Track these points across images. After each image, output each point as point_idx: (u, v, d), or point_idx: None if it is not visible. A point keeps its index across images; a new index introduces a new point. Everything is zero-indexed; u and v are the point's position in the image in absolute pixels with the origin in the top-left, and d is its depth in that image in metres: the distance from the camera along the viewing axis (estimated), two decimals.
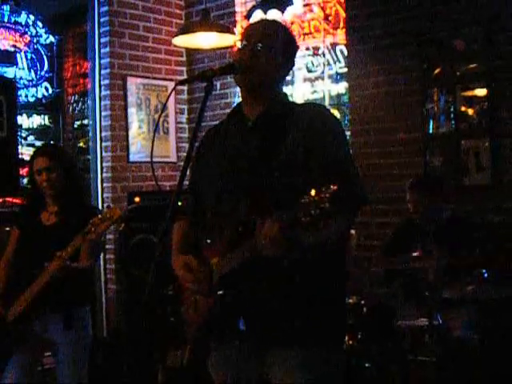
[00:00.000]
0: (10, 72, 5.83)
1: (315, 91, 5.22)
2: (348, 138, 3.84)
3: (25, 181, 5.14)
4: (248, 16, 5.49)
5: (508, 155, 4.13)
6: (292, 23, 5.21)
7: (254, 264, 1.89)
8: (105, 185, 5.45)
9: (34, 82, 6.04)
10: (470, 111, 4.29)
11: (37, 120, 6.28)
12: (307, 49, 5.18)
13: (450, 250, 3.50)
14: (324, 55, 5.12)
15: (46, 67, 6.09)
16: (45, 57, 6.09)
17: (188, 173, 1.96)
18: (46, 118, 6.34)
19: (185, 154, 4.98)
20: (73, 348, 3.19)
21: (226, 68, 2.06)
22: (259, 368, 2.08)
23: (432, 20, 4.39)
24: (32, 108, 6.18)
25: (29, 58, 5.98)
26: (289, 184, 1.94)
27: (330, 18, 5.06)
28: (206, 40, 4.72)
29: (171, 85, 5.70)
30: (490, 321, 3.53)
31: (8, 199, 4.98)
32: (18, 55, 5.90)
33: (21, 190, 4.88)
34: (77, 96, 6.31)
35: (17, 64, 5.90)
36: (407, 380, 3.47)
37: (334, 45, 5.07)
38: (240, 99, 2.25)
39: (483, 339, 3.44)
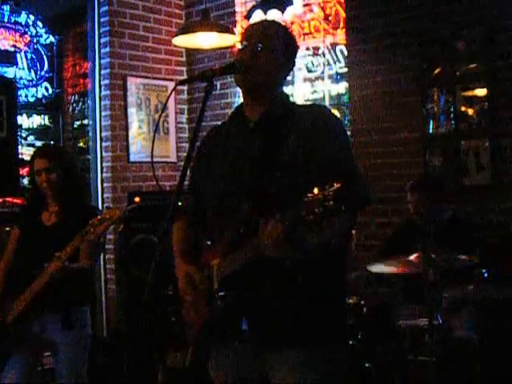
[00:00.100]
0: (10, 72, 5.83)
1: (315, 91, 5.22)
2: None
3: (25, 181, 5.15)
4: (248, 16, 5.49)
5: (508, 155, 4.13)
6: (292, 23, 5.21)
7: (257, 264, 1.89)
8: (105, 185, 5.45)
9: (34, 82, 6.04)
10: (470, 111, 4.29)
11: (37, 120, 6.28)
12: (307, 49, 5.18)
13: (450, 250, 3.50)
14: (324, 55, 5.12)
15: (46, 67, 6.10)
16: (45, 57, 6.09)
17: (188, 173, 1.95)
18: (46, 117, 6.35)
19: (185, 154, 4.98)
20: (72, 348, 3.19)
21: (227, 68, 2.06)
22: (260, 369, 2.08)
23: (432, 20, 4.39)
24: (32, 108, 6.19)
25: (29, 57, 5.98)
26: (291, 185, 1.94)
27: (330, 18, 5.06)
28: (206, 40, 4.72)
29: (171, 85, 5.70)
30: (490, 321, 3.53)
31: (8, 199, 4.98)
32: (17, 55, 5.90)
33: (21, 190, 4.88)
34: (77, 96, 6.32)
35: (17, 64, 5.90)
36: (407, 380, 3.47)
37: (333, 45, 5.07)
38: (240, 99, 2.25)
39: (483, 339, 3.43)
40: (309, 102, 5.02)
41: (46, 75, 6.11)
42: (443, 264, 3.28)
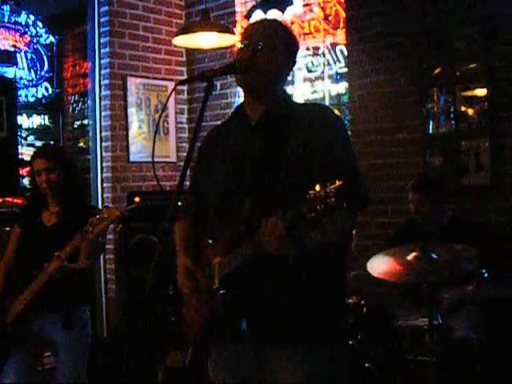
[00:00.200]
0: (10, 72, 5.83)
1: (315, 91, 5.22)
2: None
3: (25, 181, 5.15)
4: (248, 16, 5.49)
5: (508, 155, 4.12)
6: (292, 23, 5.21)
7: (258, 262, 1.89)
8: (105, 185, 5.45)
9: (34, 82, 6.04)
10: (470, 111, 4.29)
11: (37, 120, 6.29)
12: (307, 49, 5.18)
13: (451, 249, 3.50)
14: (324, 55, 5.12)
15: (46, 67, 6.10)
16: (45, 57, 6.09)
17: (188, 173, 1.95)
18: (46, 118, 6.35)
19: (185, 154, 4.98)
20: (72, 348, 3.19)
21: (227, 68, 2.06)
22: (260, 368, 2.08)
23: (432, 20, 4.39)
24: (32, 108, 6.19)
25: (29, 57, 5.98)
26: (292, 184, 1.94)
27: (330, 18, 5.06)
28: (206, 40, 4.72)
29: (171, 85, 5.70)
30: (489, 321, 3.53)
31: (8, 199, 4.98)
32: (17, 55, 5.90)
33: (21, 190, 4.89)
34: (77, 96, 6.32)
35: (17, 64, 5.90)
36: (407, 380, 3.47)
37: (333, 45, 5.07)
38: (240, 99, 2.25)
39: (483, 339, 3.43)
40: (309, 102, 5.02)
41: (46, 75, 6.11)
42: (443, 267, 3.27)
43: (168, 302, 4.34)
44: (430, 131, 4.47)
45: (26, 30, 5.93)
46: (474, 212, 4.16)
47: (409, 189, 3.95)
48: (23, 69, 5.95)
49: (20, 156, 5.15)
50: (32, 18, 5.94)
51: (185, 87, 5.91)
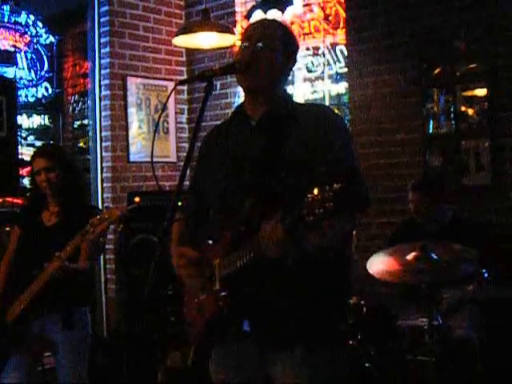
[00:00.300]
0: (10, 72, 5.83)
1: (315, 91, 5.22)
2: None
3: (25, 181, 5.15)
4: (248, 16, 5.49)
5: (508, 155, 4.13)
6: (292, 23, 5.21)
7: (258, 264, 1.89)
8: (105, 185, 5.45)
9: (33, 82, 6.05)
10: (470, 111, 4.29)
11: (37, 120, 6.29)
12: (307, 49, 5.18)
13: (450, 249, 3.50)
14: (324, 55, 5.12)
15: (46, 67, 6.10)
16: (45, 57, 6.10)
17: (188, 173, 1.95)
18: (46, 118, 6.36)
19: (185, 154, 4.98)
20: (72, 348, 3.19)
21: (227, 68, 2.06)
22: (261, 368, 2.08)
23: (432, 20, 4.39)
24: (32, 108, 6.19)
25: (29, 57, 5.99)
26: (293, 184, 1.93)
27: (330, 18, 5.06)
28: (206, 40, 4.72)
29: (171, 85, 5.70)
30: (490, 321, 3.52)
31: (8, 199, 4.99)
32: (17, 55, 5.91)
33: (21, 190, 4.89)
34: (77, 96, 6.32)
35: (17, 64, 5.90)
36: (407, 380, 3.47)
37: (334, 45, 5.07)
38: (240, 99, 2.25)
39: (483, 339, 3.43)
40: (309, 102, 5.02)
41: (46, 75, 6.12)
42: (442, 268, 3.27)
43: (168, 301, 4.34)
44: (430, 131, 4.47)
45: (26, 30, 5.93)
46: (475, 212, 4.16)
47: (409, 188, 3.95)
48: (23, 69, 5.95)
49: (20, 156, 5.16)
50: (32, 17, 5.95)
51: (185, 87, 5.91)
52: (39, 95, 6.11)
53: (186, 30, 4.73)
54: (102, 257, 5.21)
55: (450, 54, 4.33)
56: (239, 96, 5.30)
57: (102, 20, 5.45)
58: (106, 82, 5.42)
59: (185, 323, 2.17)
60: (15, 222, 3.43)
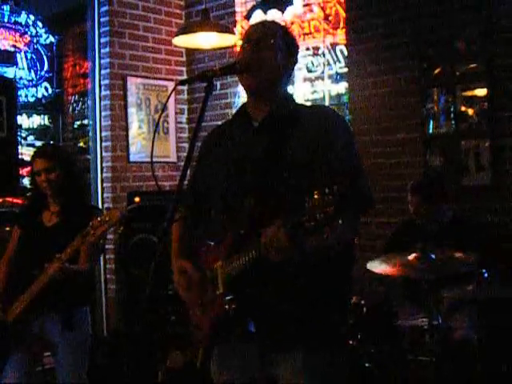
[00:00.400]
0: (10, 72, 5.83)
1: (315, 91, 5.22)
2: None
3: (25, 181, 5.15)
4: (248, 16, 5.49)
5: (508, 155, 4.12)
6: (292, 23, 5.21)
7: (260, 268, 1.89)
8: (105, 185, 5.45)
9: (33, 82, 6.04)
10: (470, 111, 4.29)
11: (37, 120, 6.28)
12: (307, 49, 5.18)
13: (449, 250, 3.50)
14: (324, 55, 5.12)
15: (45, 67, 6.09)
16: (45, 57, 6.09)
17: (189, 173, 1.95)
18: (46, 118, 6.35)
19: (185, 154, 4.98)
20: (72, 348, 3.19)
21: (227, 68, 2.05)
22: (264, 370, 2.08)
23: (432, 20, 4.39)
24: (32, 108, 6.18)
25: (29, 58, 5.98)
26: (295, 185, 1.93)
27: (330, 18, 5.06)
28: (206, 40, 4.72)
29: (171, 85, 5.70)
30: (490, 321, 3.52)
31: (8, 199, 4.98)
32: (17, 55, 5.90)
33: (21, 190, 4.89)
34: (77, 96, 6.31)
35: (17, 64, 5.90)
36: (407, 380, 3.47)
37: (334, 45, 5.07)
38: (240, 99, 2.25)
39: (483, 339, 3.43)
40: (310, 103, 5.02)
41: (46, 75, 6.11)
42: (442, 266, 3.27)
43: (168, 301, 4.34)
44: (430, 131, 4.47)
45: (26, 30, 5.93)
46: (475, 212, 4.16)
47: (408, 190, 3.95)
48: (23, 69, 5.95)
49: (20, 156, 5.15)
50: (32, 17, 5.94)
51: (185, 87, 5.91)
52: (39, 95, 6.10)
53: (186, 30, 4.73)
54: (101, 257, 5.21)
55: (449, 54, 4.33)
56: (239, 96, 5.30)
57: (101, 20, 5.45)
58: (106, 82, 5.43)
59: (190, 325, 2.17)
60: (16, 221, 3.43)
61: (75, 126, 6.37)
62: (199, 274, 2.09)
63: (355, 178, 1.93)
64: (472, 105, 4.28)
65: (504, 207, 4.11)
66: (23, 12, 5.90)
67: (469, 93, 4.29)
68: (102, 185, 5.46)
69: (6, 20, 5.80)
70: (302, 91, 5.25)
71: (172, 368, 4.29)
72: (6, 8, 5.81)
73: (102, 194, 5.45)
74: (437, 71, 4.42)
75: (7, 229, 4.15)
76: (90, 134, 5.63)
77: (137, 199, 4.91)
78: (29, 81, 6.00)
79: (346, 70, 4.97)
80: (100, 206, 5.35)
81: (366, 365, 3.53)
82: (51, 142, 6.19)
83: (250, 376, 2.10)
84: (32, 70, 6.01)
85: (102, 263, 5.39)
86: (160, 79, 5.70)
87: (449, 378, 3.33)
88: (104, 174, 5.45)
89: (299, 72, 5.24)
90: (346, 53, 4.95)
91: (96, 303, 5.18)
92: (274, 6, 5.32)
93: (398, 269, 3.35)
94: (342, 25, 4.96)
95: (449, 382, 3.34)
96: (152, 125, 5.60)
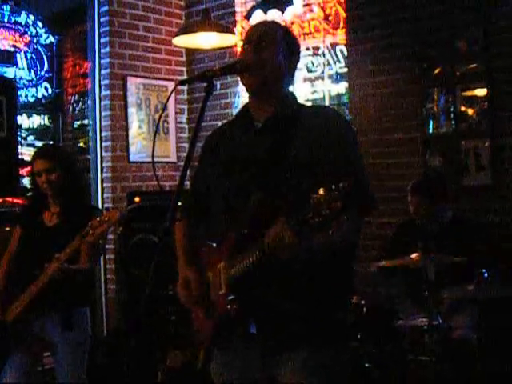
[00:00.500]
0: (9, 72, 5.83)
1: (315, 91, 5.22)
2: None
3: (25, 181, 5.15)
4: (248, 16, 5.49)
5: (508, 155, 4.13)
6: (292, 23, 5.21)
7: (263, 268, 1.89)
8: (105, 185, 5.45)
9: (33, 82, 6.04)
10: (470, 111, 4.29)
11: (37, 120, 6.29)
12: (307, 49, 5.18)
13: (450, 250, 3.50)
14: (324, 55, 5.12)
15: (45, 67, 6.10)
16: (45, 57, 6.09)
17: (189, 173, 1.95)
18: (46, 118, 6.35)
19: (185, 154, 4.98)
20: (72, 349, 3.19)
21: (227, 68, 2.05)
22: (265, 371, 2.07)
23: (432, 20, 4.39)
24: (32, 108, 6.19)
25: (29, 58, 5.98)
26: (299, 186, 1.93)
27: (330, 18, 5.06)
28: (206, 40, 4.72)
29: (171, 85, 5.70)
30: (489, 321, 3.53)
31: (8, 199, 4.98)
32: (17, 55, 5.90)
33: (21, 190, 4.89)
34: (77, 96, 6.32)
35: (17, 64, 5.90)
36: (407, 380, 3.47)
37: (334, 45, 5.07)
38: (240, 99, 2.25)
39: (483, 339, 3.44)
40: (310, 103, 5.02)
41: (46, 75, 6.11)
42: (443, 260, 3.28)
43: (168, 301, 4.34)
44: (430, 131, 4.47)
45: (26, 29, 5.93)
46: (475, 212, 4.16)
47: (408, 190, 3.95)
48: (23, 69, 5.95)
49: (20, 156, 5.16)
50: (32, 17, 5.95)
51: (185, 87, 5.91)
52: (39, 95, 6.11)
53: (186, 29, 4.73)
54: (101, 257, 5.21)
55: (449, 54, 4.33)
56: (239, 96, 5.29)
57: (101, 20, 5.45)
58: (106, 82, 5.42)
59: (192, 326, 2.17)
60: (17, 221, 3.43)
61: (75, 126, 6.37)
62: (203, 288, 2.08)
63: (359, 179, 1.93)
64: (472, 105, 4.28)
65: (504, 207, 4.11)
66: (23, 12, 5.90)
67: (469, 93, 4.29)
68: (102, 185, 5.45)
69: (5, 20, 5.81)
70: (302, 91, 5.25)
71: (172, 368, 4.29)
72: (6, 8, 5.81)
73: (102, 194, 5.45)
74: (437, 71, 4.42)
75: (7, 229, 4.15)
76: (90, 133, 5.63)
77: (137, 199, 4.91)
78: (29, 81, 6.00)
79: (345, 69, 4.97)
80: (100, 206, 5.35)
81: (366, 365, 3.53)
82: (51, 142, 6.20)
83: (251, 377, 2.10)
84: (32, 70, 6.01)
85: (102, 263, 5.39)
86: (160, 79, 5.70)
87: (449, 377, 3.33)
88: (104, 174, 5.45)
89: (299, 72, 5.23)
90: (345, 53, 4.95)
91: (96, 303, 5.18)
92: (274, 6, 5.32)
93: (399, 265, 3.38)
94: (341, 25, 4.96)
95: (449, 381, 3.34)
96: (152, 125, 5.60)
